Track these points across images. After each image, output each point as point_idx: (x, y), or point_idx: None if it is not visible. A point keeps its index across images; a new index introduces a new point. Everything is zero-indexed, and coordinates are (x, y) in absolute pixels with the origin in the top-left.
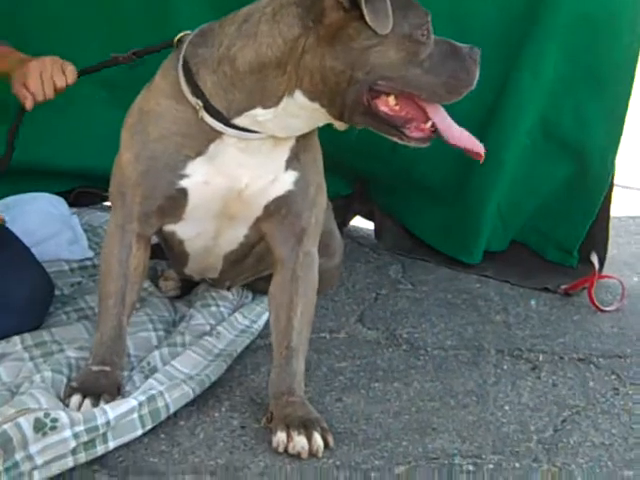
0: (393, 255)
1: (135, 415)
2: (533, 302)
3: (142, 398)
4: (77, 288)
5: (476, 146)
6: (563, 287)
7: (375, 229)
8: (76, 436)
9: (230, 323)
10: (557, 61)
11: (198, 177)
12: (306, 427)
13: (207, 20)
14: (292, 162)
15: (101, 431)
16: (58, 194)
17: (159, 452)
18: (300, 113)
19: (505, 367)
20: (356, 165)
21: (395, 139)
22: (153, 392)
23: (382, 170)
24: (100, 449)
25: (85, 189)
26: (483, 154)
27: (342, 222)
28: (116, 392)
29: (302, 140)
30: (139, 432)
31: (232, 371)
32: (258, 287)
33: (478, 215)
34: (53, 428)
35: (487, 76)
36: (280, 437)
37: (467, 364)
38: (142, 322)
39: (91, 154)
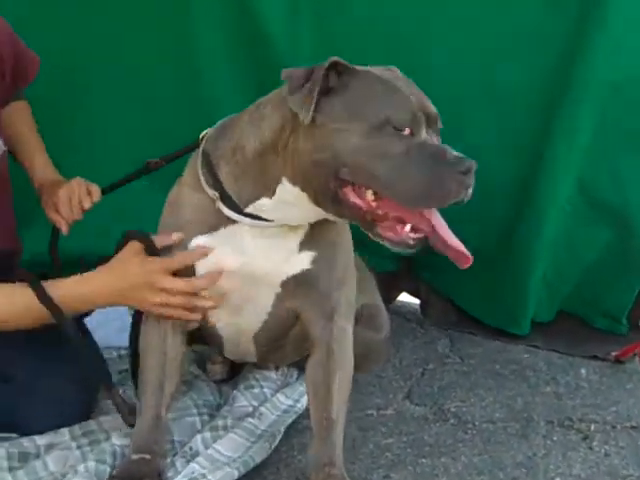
0: (440, 329)
1: None
2: (583, 371)
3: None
4: (125, 375)
5: (464, 251)
6: (614, 354)
7: (421, 304)
8: None
9: (272, 404)
10: (592, 125)
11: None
12: None
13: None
14: (307, 244)
15: None
16: None
17: None
18: (295, 202)
19: (555, 438)
20: None
21: (370, 235)
22: (196, 475)
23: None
24: None
25: None
26: (470, 259)
27: (388, 298)
28: (156, 478)
29: (319, 223)
30: None
31: (278, 452)
32: (304, 364)
33: (524, 286)
34: None
35: (521, 146)
36: None
37: (516, 436)
38: (187, 407)
39: None
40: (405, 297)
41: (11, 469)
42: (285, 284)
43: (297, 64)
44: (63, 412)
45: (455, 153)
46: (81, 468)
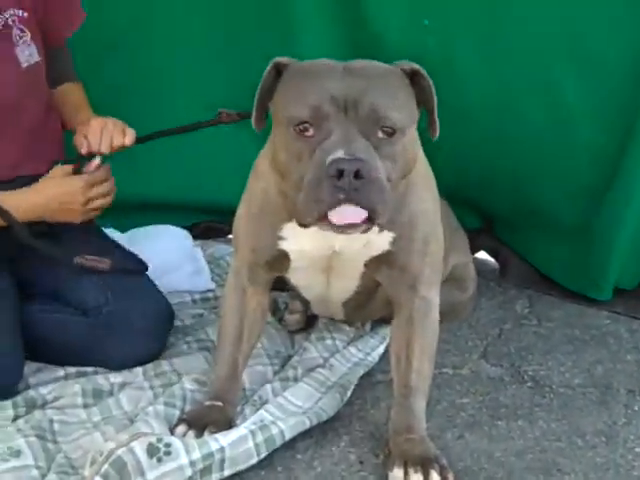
0: (519, 289)
1: (250, 444)
2: None
3: (253, 427)
4: (199, 320)
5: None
6: None
7: (500, 265)
8: (192, 464)
9: (343, 355)
10: None
11: (294, 242)
12: (424, 465)
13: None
14: (386, 224)
15: (216, 458)
16: (183, 228)
17: None
18: None
19: (636, 407)
20: (480, 201)
21: None
22: (265, 422)
23: (506, 206)
24: (215, 476)
25: (209, 224)
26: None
27: None
28: (226, 426)
29: (397, 201)
30: (254, 460)
31: (351, 405)
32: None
33: (608, 252)
34: (167, 453)
35: (614, 106)
36: (397, 474)
37: (595, 403)
38: (259, 355)
39: (214, 188)
40: (483, 255)
41: (85, 405)
42: (368, 263)
43: (391, 28)
44: (140, 346)
45: (337, 155)
46: (150, 410)
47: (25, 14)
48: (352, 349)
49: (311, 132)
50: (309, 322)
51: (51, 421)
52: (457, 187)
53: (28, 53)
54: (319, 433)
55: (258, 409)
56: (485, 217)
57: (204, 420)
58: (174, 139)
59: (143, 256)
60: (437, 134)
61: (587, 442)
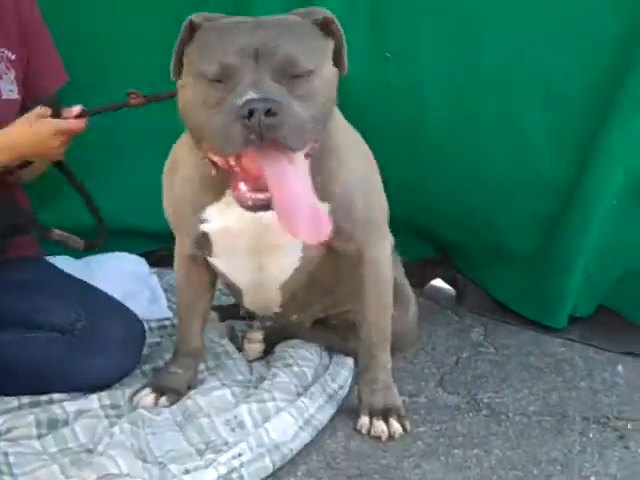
0: (475, 317)
1: None
2: (620, 367)
3: (223, 471)
4: (155, 348)
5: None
6: None
7: (456, 293)
8: None
9: (322, 385)
10: None
11: (217, 223)
12: (385, 414)
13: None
14: (317, 193)
15: None
16: (139, 255)
17: None
18: None
19: (591, 435)
20: (435, 230)
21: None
22: (235, 465)
23: (461, 235)
24: None
25: (165, 251)
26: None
27: (421, 282)
28: (183, 391)
29: (321, 175)
30: None
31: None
32: (334, 345)
33: (563, 279)
34: None
35: (573, 137)
36: (364, 421)
37: (551, 431)
38: (214, 387)
39: None
40: (439, 282)
41: (40, 436)
42: None
43: (353, 61)
44: (115, 361)
45: (248, 96)
46: (116, 430)
47: (13, 56)
48: (328, 378)
49: (222, 85)
50: (268, 350)
51: (6, 454)
52: (411, 215)
53: (9, 89)
54: None
55: (233, 429)
56: (440, 246)
57: (164, 386)
58: (130, 166)
59: (98, 282)
60: (346, 72)
61: (542, 470)
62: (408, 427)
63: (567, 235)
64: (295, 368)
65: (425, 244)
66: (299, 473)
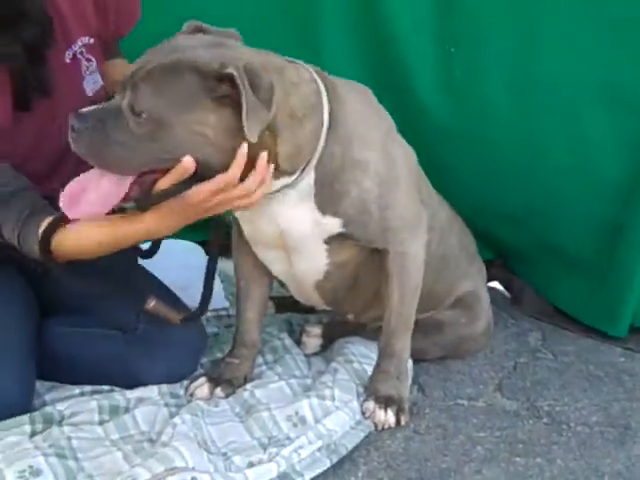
0: (532, 322)
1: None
2: None
3: (284, 465)
4: (213, 338)
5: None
6: None
7: (513, 296)
8: None
9: None
10: None
11: (242, 212)
12: (387, 404)
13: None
14: (328, 208)
15: None
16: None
17: None
18: None
19: None
20: (497, 232)
21: None
22: (294, 460)
23: (522, 239)
24: None
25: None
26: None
27: None
28: (241, 382)
29: (332, 190)
30: None
31: (368, 435)
32: None
33: (625, 287)
34: None
35: (637, 140)
36: (368, 406)
37: (614, 443)
38: (272, 380)
39: None
40: (496, 284)
41: (101, 422)
42: (330, 240)
43: (418, 57)
44: (175, 363)
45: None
46: (177, 420)
47: (92, 40)
48: None
49: None
50: (326, 345)
51: (69, 438)
52: (473, 217)
53: (93, 81)
54: (336, 462)
55: (295, 424)
56: (500, 249)
57: (220, 377)
58: None
59: (155, 270)
60: (250, 137)
61: None
62: (402, 421)
63: (630, 241)
64: (356, 365)
65: (483, 246)
66: (360, 474)
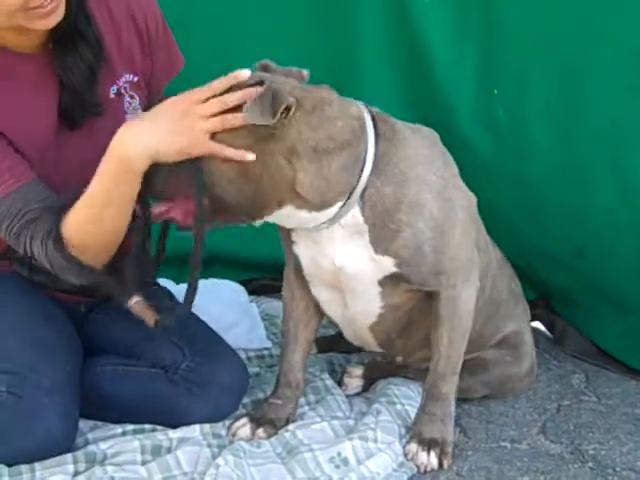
0: (575, 364)
1: None
2: None
3: None
4: (254, 378)
5: None
6: None
7: (556, 336)
8: None
9: None
10: None
11: (302, 248)
12: (430, 446)
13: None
14: (381, 248)
15: None
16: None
17: None
18: None
19: None
20: (540, 272)
21: None
22: None
23: (567, 279)
24: None
25: (264, 280)
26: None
27: None
28: (283, 423)
29: (386, 229)
30: None
31: (411, 477)
32: None
33: None
34: None
35: None
36: (411, 448)
37: None
38: (314, 421)
39: (267, 244)
40: (538, 324)
41: (144, 462)
42: (383, 282)
43: (460, 96)
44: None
45: None
46: (221, 461)
47: (136, 78)
48: None
49: None
50: (367, 386)
51: (112, 478)
52: (516, 257)
53: (134, 117)
54: None
55: (338, 466)
56: (542, 288)
57: (262, 417)
58: None
59: (200, 310)
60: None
61: None
62: (445, 464)
63: None
64: (398, 407)
65: (525, 285)
66: None
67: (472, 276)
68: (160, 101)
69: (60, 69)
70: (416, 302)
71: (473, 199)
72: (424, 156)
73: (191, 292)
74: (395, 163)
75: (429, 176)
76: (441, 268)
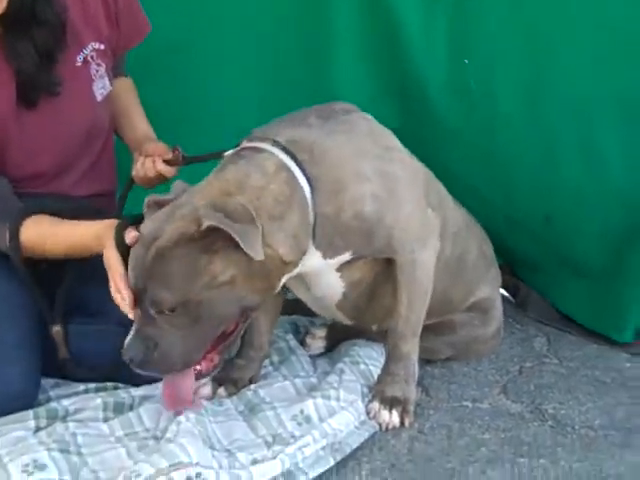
0: (538, 327)
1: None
2: None
3: (288, 463)
4: None
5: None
6: None
7: (519, 301)
8: None
9: None
10: None
11: None
12: (392, 405)
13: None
14: (333, 253)
15: None
16: None
17: None
18: None
19: None
20: (506, 238)
21: None
22: (298, 458)
23: (531, 244)
24: None
25: None
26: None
27: None
28: (245, 383)
29: (331, 241)
30: None
31: (373, 435)
32: None
33: (632, 294)
34: None
35: None
36: (373, 407)
37: (618, 446)
38: (277, 380)
39: None
40: (502, 291)
41: (106, 419)
42: (340, 268)
43: (431, 66)
44: None
45: (127, 342)
46: (182, 418)
47: (102, 46)
48: None
49: None
50: (329, 347)
51: (74, 434)
52: (484, 224)
53: (101, 85)
54: (340, 460)
55: (300, 424)
56: (507, 255)
57: (225, 377)
58: None
59: None
60: (257, 256)
61: None
62: (407, 423)
63: (639, 248)
64: (362, 366)
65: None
66: (363, 472)
67: (429, 240)
68: None
69: (9, 56)
70: (376, 271)
71: (414, 163)
72: (349, 150)
73: None
74: (325, 181)
75: (362, 164)
76: (395, 240)
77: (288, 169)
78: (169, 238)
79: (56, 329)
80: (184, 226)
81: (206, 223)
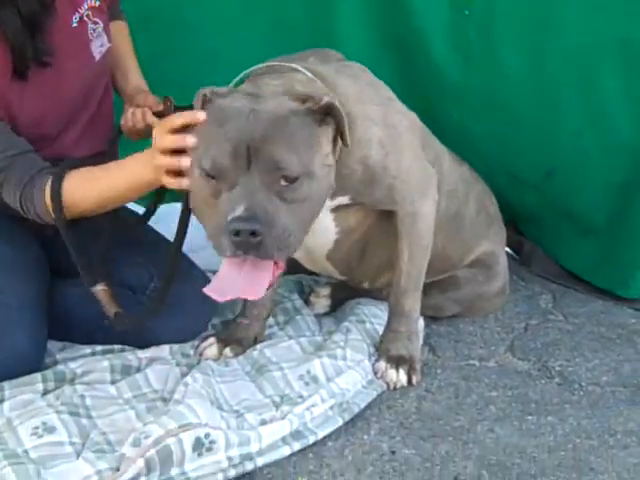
0: (543, 284)
1: (285, 441)
2: None
3: (296, 423)
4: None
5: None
6: None
7: (523, 258)
8: (230, 459)
9: None
10: None
11: None
12: (398, 364)
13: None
14: (335, 192)
15: (254, 456)
16: None
17: (308, 472)
18: None
19: None
20: (508, 194)
21: None
22: (307, 418)
23: (534, 199)
24: (249, 466)
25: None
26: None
27: None
28: (250, 342)
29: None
30: (287, 452)
31: (380, 395)
32: None
33: (637, 249)
34: (209, 449)
35: None
36: (379, 366)
37: (625, 402)
38: (282, 340)
39: None
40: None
41: (114, 382)
42: (337, 209)
43: (431, 17)
44: (186, 323)
45: (237, 213)
46: (189, 379)
47: (98, 3)
48: None
49: (215, 182)
50: (335, 306)
51: (82, 397)
52: (486, 179)
53: (100, 44)
54: (349, 420)
55: (307, 383)
56: (511, 211)
57: (230, 337)
58: None
59: (169, 233)
60: (348, 145)
61: (619, 441)
62: (414, 381)
63: None
64: (367, 325)
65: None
66: (372, 432)
67: (429, 190)
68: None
69: None
70: (371, 224)
71: (413, 116)
72: (356, 90)
73: (164, 290)
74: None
75: (369, 107)
76: (396, 190)
77: (316, 85)
78: (282, 108)
79: (99, 288)
80: (294, 101)
81: (326, 99)
